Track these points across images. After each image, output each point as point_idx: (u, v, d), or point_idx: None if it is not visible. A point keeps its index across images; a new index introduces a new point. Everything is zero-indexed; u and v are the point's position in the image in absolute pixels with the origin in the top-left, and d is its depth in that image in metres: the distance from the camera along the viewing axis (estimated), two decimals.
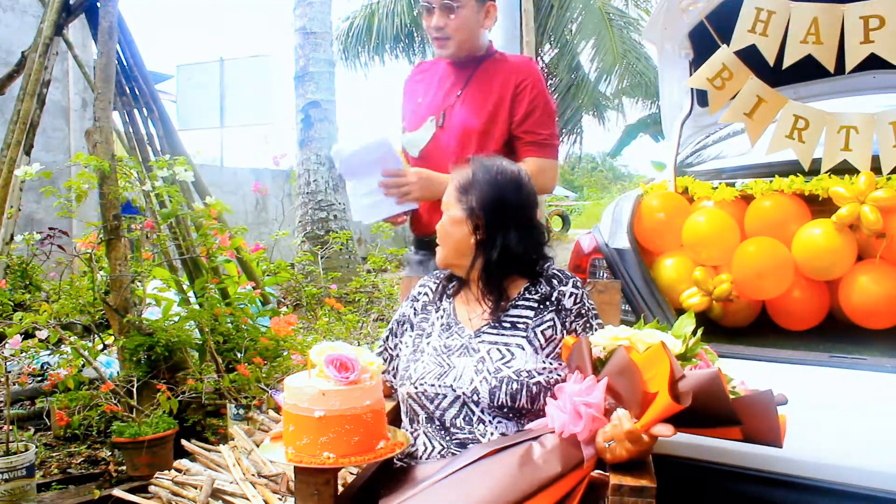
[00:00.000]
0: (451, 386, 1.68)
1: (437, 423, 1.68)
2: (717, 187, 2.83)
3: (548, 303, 1.78)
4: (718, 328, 2.72)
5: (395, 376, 1.87)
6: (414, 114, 2.56)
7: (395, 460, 1.72)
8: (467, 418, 1.65)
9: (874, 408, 2.03)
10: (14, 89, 4.35)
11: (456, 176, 1.83)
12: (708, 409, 1.34)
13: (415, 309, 1.91)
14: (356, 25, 14.89)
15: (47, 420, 3.77)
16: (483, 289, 1.78)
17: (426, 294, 1.92)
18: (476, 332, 1.76)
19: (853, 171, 2.55)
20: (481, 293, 1.79)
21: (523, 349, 1.71)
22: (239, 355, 3.84)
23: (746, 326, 2.82)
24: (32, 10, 8.44)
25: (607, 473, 1.44)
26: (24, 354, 3.85)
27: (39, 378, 4.26)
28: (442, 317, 1.84)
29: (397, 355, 1.89)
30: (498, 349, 1.71)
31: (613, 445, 1.40)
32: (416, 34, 15.03)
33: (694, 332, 1.55)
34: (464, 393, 1.66)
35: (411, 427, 1.75)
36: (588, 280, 2.27)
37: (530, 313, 1.77)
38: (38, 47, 4.01)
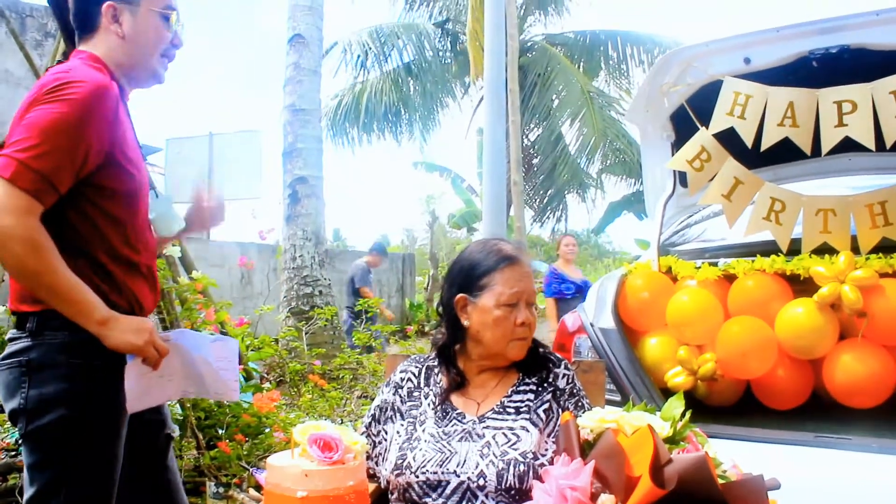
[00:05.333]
0: (455, 472, 1.64)
1: None
2: (700, 267, 2.87)
3: (546, 384, 1.80)
4: (704, 407, 2.71)
5: (377, 463, 1.81)
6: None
7: None
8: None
9: (860, 488, 2.02)
10: None
11: (526, 262, 1.83)
12: (694, 494, 1.32)
13: (400, 396, 1.85)
14: (345, 103, 15.22)
15: (19, 497, 3.66)
16: (530, 367, 1.82)
17: (410, 380, 1.87)
18: (480, 418, 1.75)
19: (833, 250, 2.59)
20: (527, 373, 1.82)
21: (528, 431, 1.70)
22: (220, 432, 3.77)
23: (731, 406, 2.81)
24: (26, 82, 8.55)
25: None
26: None
27: (13, 453, 4.15)
28: (433, 403, 1.81)
29: (380, 442, 1.82)
30: (504, 433, 1.70)
31: None
32: (403, 112, 15.37)
33: (682, 415, 1.54)
34: (468, 478, 1.62)
35: None
36: (573, 360, 2.27)
37: (531, 396, 1.77)
38: None
